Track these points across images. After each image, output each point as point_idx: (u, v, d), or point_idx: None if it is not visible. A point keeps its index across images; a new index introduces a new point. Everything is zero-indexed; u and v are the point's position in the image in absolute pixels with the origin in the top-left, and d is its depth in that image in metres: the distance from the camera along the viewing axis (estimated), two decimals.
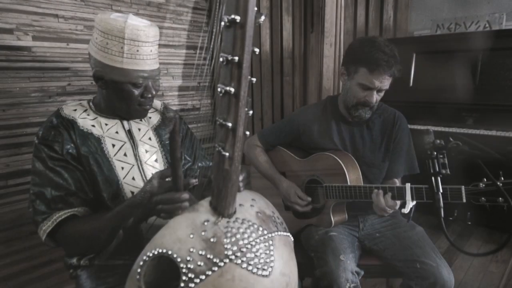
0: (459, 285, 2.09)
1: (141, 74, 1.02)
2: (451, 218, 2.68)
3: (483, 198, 1.12)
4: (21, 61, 3.00)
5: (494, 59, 2.48)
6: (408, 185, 1.25)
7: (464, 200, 1.15)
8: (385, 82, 1.35)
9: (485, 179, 1.12)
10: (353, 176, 1.42)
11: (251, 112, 0.64)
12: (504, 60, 2.44)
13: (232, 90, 0.61)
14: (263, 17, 0.59)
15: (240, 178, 0.83)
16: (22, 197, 3.10)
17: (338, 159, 1.42)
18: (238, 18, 0.57)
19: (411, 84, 2.79)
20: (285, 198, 1.56)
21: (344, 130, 1.51)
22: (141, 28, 0.99)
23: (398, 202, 1.31)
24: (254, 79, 0.64)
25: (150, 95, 1.08)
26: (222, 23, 0.58)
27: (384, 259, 1.41)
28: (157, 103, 1.26)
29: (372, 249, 1.46)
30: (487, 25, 2.78)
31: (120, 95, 1.05)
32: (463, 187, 1.15)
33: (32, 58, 3.04)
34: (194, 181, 0.86)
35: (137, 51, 1.00)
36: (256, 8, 0.58)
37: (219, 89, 0.61)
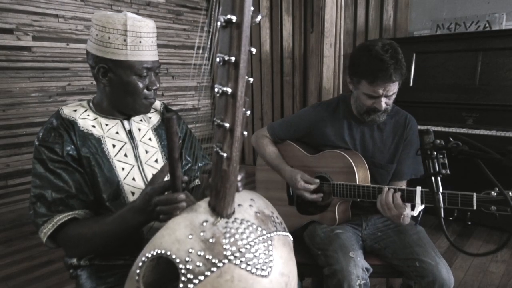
0: (459, 285, 2.09)
1: (145, 65, 1.04)
2: (451, 218, 2.67)
3: (493, 207, 1.11)
4: (21, 61, 3.01)
5: (494, 59, 2.47)
6: (418, 189, 1.24)
7: (475, 208, 1.14)
8: (390, 88, 1.33)
9: (496, 188, 1.10)
10: (362, 176, 1.42)
11: (248, 112, 0.64)
12: (504, 60, 2.44)
13: (229, 90, 0.60)
14: (259, 17, 0.59)
15: (239, 178, 0.83)
16: (22, 197, 3.12)
17: (349, 158, 1.42)
18: (234, 18, 0.57)
19: (411, 84, 2.79)
20: (291, 186, 1.56)
21: (355, 129, 1.51)
22: (142, 20, 1.02)
23: (408, 209, 1.29)
24: (251, 79, 0.64)
25: (155, 87, 1.09)
26: (219, 23, 0.58)
27: (384, 257, 1.42)
28: (157, 103, 1.26)
29: (373, 248, 1.46)
30: (487, 25, 2.77)
31: (125, 89, 1.05)
32: (474, 194, 1.14)
33: (32, 58, 3.05)
34: (185, 178, 0.87)
35: (140, 42, 1.01)
36: (252, 8, 0.58)
37: (216, 90, 0.61)
